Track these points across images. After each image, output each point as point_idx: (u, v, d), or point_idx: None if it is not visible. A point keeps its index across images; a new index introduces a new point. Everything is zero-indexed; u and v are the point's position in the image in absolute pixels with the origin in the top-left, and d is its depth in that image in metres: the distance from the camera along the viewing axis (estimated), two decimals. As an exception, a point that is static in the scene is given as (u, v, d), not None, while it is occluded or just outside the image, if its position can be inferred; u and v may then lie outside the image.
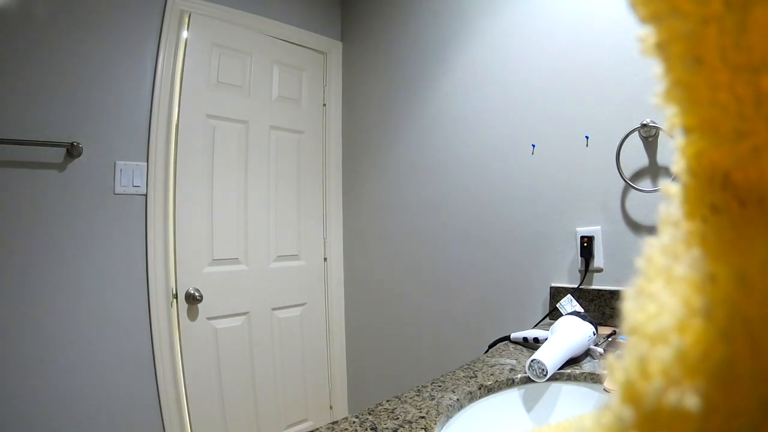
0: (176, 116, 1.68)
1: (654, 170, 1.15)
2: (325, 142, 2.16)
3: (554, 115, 1.36)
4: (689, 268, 0.12)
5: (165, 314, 1.61)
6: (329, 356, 2.11)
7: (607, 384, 0.74)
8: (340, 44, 2.24)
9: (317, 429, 0.63)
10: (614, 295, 1.18)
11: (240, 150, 1.85)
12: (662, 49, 0.13)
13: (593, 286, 1.24)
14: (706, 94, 0.12)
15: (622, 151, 1.16)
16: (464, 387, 0.74)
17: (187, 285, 1.67)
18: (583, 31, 1.29)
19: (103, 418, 1.46)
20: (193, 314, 1.68)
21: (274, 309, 1.92)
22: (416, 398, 0.71)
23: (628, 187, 1.18)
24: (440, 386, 0.75)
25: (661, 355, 0.11)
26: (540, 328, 1.08)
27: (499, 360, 0.90)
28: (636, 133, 1.16)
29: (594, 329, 0.89)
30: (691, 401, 0.10)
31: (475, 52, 1.60)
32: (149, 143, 1.61)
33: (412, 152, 1.83)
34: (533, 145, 1.41)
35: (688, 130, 0.14)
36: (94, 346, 1.47)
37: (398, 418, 0.63)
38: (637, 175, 1.17)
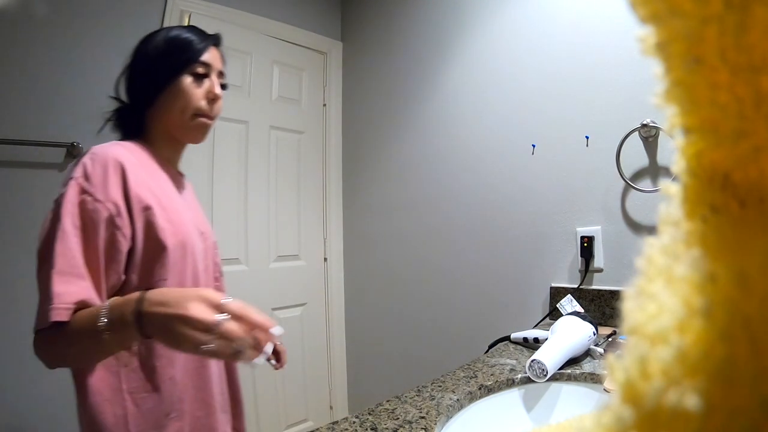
0: (176, 116, 1.68)
1: (654, 170, 1.15)
2: (325, 142, 2.16)
3: (554, 115, 1.36)
4: (689, 268, 0.12)
5: (165, 314, 1.61)
6: (329, 356, 2.11)
7: (607, 384, 0.74)
8: (340, 44, 2.24)
9: (317, 429, 0.62)
10: (614, 295, 1.18)
11: (240, 150, 1.85)
12: (662, 49, 0.13)
13: (593, 286, 1.24)
14: (706, 94, 0.12)
15: (622, 151, 1.16)
16: (464, 387, 0.74)
17: (187, 285, 1.66)
18: (583, 31, 1.29)
19: (103, 418, 1.46)
20: (193, 314, 1.68)
21: (274, 309, 1.92)
22: (416, 398, 0.71)
23: (628, 187, 1.18)
24: (440, 386, 0.75)
25: (661, 355, 0.11)
26: (540, 328, 1.08)
27: (499, 360, 0.90)
28: (636, 133, 1.16)
29: (594, 329, 0.89)
30: (691, 401, 0.10)
31: (474, 53, 1.60)
32: (149, 143, 1.61)
33: (412, 152, 1.83)
34: (533, 145, 1.41)
35: (688, 130, 0.14)
36: (94, 346, 1.46)
37: (398, 418, 0.63)
38: (637, 175, 1.17)
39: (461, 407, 0.70)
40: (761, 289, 0.10)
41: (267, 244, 1.91)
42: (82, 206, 0.60)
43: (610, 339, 0.97)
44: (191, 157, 1.70)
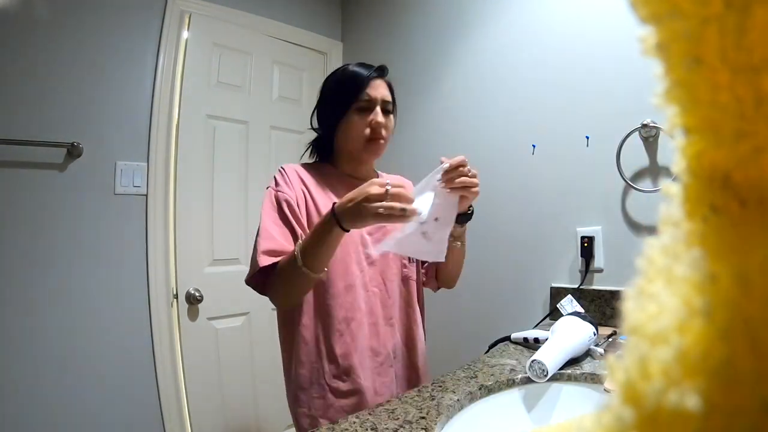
0: (176, 116, 1.68)
1: (654, 170, 1.15)
2: (325, 142, 2.16)
3: (555, 115, 1.36)
4: (689, 268, 0.12)
5: (165, 314, 1.61)
6: (329, 356, 2.11)
7: (607, 384, 0.73)
8: (340, 44, 2.24)
9: (317, 429, 0.63)
10: (615, 296, 1.18)
11: (240, 150, 1.85)
12: (663, 49, 0.13)
13: (594, 287, 1.24)
14: (707, 94, 0.12)
15: (622, 151, 1.16)
16: (464, 387, 0.74)
17: (187, 285, 1.67)
18: (585, 31, 1.29)
19: (104, 418, 1.46)
20: (193, 314, 1.68)
21: (274, 309, 1.91)
22: (416, 398, 0.71)
23: (628, 187, 1.18)
24: (440, 386, 0.75)
25: (662, 356, 0.11)
26: (540, 329, 1.08)
27: (500, 360, 0.90)
28: (636, 133, 1.16)
29: (594, 330, 0.89)
30: (691, 401, 0.10)
31: (474, 53, 1.60)
32: (149, 143, 1.61)
33: (411, 152, 1.83)
34: (533, 145, 1.41)
35: (688, 131, 0.14)
36: (94, 346, 1.47)
37: (398, 418, 0.63)
38: (638, 175, 1.17)
39: (461, 407, 0.70)
40: (761, 289, 0.10)
41: (267, 244, 1.91)
42: (277, 199, 0.92)
43: (610, 339, 0.97)
44: (191, 157, 1.71)
